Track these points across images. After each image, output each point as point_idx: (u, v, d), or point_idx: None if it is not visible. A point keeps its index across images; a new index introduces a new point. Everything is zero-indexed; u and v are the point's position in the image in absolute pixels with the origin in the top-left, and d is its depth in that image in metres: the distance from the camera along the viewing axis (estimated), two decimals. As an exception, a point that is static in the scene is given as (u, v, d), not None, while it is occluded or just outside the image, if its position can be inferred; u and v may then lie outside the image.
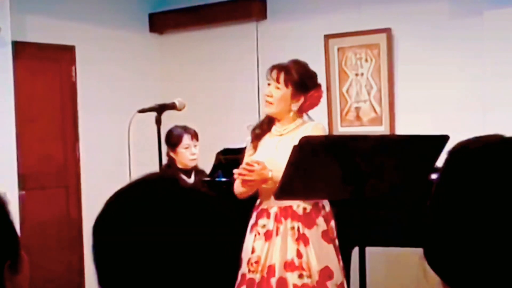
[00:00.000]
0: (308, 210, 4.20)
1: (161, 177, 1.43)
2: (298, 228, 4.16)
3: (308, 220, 4.19)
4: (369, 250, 4.00)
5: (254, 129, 4.45)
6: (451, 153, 1.36)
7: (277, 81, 4.27)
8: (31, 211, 6.81)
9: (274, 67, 4.34)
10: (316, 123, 4.33)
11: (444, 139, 3.52)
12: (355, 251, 4.29)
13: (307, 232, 4.16)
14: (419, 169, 3.75)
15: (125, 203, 1.35)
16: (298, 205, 4.20)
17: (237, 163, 4.50)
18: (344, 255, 4.59)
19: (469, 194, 1.27)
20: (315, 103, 4.35)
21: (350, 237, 4.36)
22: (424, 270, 1.40)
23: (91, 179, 7.25)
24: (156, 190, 1.35)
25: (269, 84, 4.34)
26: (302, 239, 4.15)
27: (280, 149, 4.19)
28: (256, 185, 4.21)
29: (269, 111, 4.35)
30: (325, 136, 4.39)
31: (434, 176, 3.70)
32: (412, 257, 4.98)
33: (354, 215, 3.89)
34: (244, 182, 4.21)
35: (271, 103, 4.30)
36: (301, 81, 4.26)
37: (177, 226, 1.29)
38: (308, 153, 3.60)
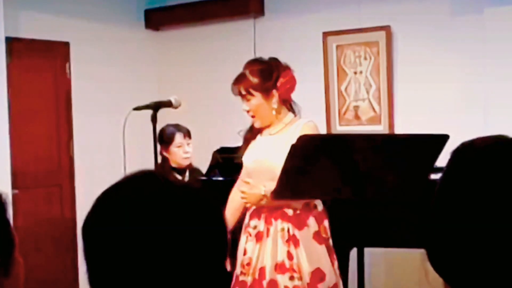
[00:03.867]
0: (298, 211, 4.15)
1: (146, 174, 1.40)
2: (288, 229, 4.11)
3: (298, 221, 4.14)
4: (368, 251, 3.97)
5: (245, 134, 4.41)
6: (455, 153, 1.35)
7: (241, 95, 4.23)
8: (25, 211, 6.76)
9: (232, 85, 4.27)
10: (307, 121, 4.24)
11: (444, 138, 3.49)
12: (354, 252, 4.25)
13: (297, 233, 4.11)
14: (419, 168, 3.72)
15: (112, 203, 1.34)
16: (288, 206, 4.15)
17: (234, 162, 4.48)
18: (342, 256, 4.56)
19: (473, 195, 1.26)
20: (293, 85, 4.22)
21: (348, 237, 4.34)
22: (426, 272, 1.39)
23: (85, 178, 7.20)
24: (142, 188, 1.34)
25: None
26: (292, 240, 4.10)
27: (272, 149, 4.15)
28: (255, 202, 4.17)
29: (259, 124, 4.28)
30: (323, 135, 4.36)
31: (433, 176, 3.66)
32: (412, 258, 4.95)
33: (352, 215, 3.86)
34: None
35: (253, 116, 4.25)
36: (261, 79, 4.17)
37: (164, 222, 1.29)
38: (306, 152, 3.55)
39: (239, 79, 4.23)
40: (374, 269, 6.05)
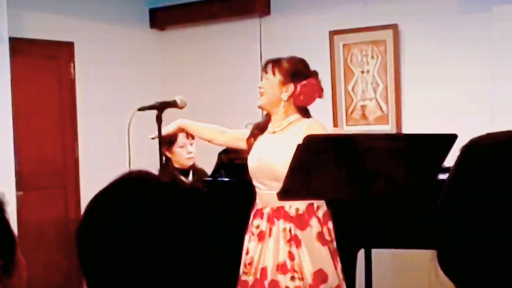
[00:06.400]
0: (300, 211, 4.15)
1: (137, 175, 1.39)
2: (290, 229, 4.11)
3: (300, 221, 4.13)
4: (375, 252, 3.94)
5: (252, 128, 4.43)
6: (463, 150, 1.31)
7: (266, 71, 4.29)
8: (29, 212, 6.77)
9: (266, 61, 4.37)
10: (312, 120, 4.26)
11: (452, 138, 3.44)
12: (361, 253, 4.22)
13: (299, 233, 4.11)
14: (427, 168, 3.67)
15: (104, 207, 1.34)
16: (291, 206, 4.15)
17: (240, 162, 4.47)
18: (350, 257, 4.54)
19: (483, 192, 1.22)
20: (309, 94, 4.24)
21: (356, 238, 4.31)
22: (436, 272, 1.33)
23: (90, 179, 7.18)
24: (132, 190, 1.33)
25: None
26: (294, 240, 4.10)
27: (273, 148, 4.19)
28: None
29: (260, 102, 4.33)
30: (330, 135, 4.32)
31: (441, 176, 3.63)
32: (420, 259, 4.90)
33: (359, 216, 3.83)
34: None
35: (262, 93, 4.29)
36: (290, 69, 4.23)
37: (158, 224, 1.27)
38: (312, 152, 3.51)
39: (275, 59, 4.32)
40: (381, 270, 6.01)
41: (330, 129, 4.59)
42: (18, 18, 6.74)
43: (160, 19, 7.94)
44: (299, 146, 3.48)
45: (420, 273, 5.15)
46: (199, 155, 5.69)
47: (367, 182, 3.58)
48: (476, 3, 6.18)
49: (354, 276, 4.75)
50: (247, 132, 4.45)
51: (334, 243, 4.20)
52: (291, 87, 4.20)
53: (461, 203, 1.25)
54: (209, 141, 4.67)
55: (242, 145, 4.47)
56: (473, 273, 1.22)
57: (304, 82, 4.20)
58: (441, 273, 1.29)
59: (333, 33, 6.86)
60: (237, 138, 4.52)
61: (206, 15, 7.58)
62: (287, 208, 4.14)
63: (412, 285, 6.04)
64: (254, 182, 4.30)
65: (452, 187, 1.28)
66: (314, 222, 4.14)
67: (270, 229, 4.15)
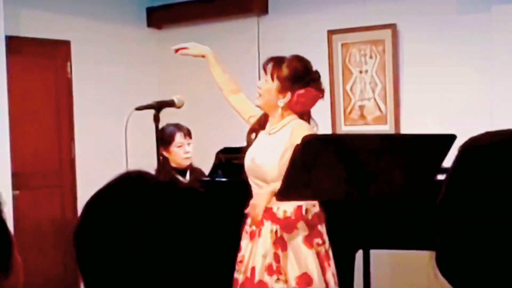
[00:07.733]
0: (288, 214, 4.13)
1: (134, 175, 1.38)
2: (276, 231, 4.10)
3: (287, 224, 4.12)
4: (373, 252, 3.93)
5: (253, 123, 4.40)
6: (462, 149, 1.30)
7: (265, 71, 4.22)
8: (25, 212, 6.76)
9: (268, 59, 4.27)
10: (299, 122, 4.19)
11: (451, 138, 3.43)
12: (359, 254, 4.21)
13: (285, 236, 4.10)
14: (425, 169, 3.66)
15: (101, 208, 1.34)
16: (279, 208, 4.13)
17: (237, 162, 4.48)
18: (348, 258, 4.54)
19: (481, 192, 1.21)
20: (307, 103, 4.18)
21: (354, 240, 4.30)
22: (435, 272, 1.31)
23: (86, 179, 7.16)
24: (130, 190, 1.33)
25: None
26: (280, 243, 4.09)
27: (264, 150, 4.19)
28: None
29: (258, 103, 4.31)
30: (328, 135, 4.31)
31: (440, 176, 3.61)
32: (418, 260, 4.91)
33: (357, 217, 3.82)
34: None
35: (260, 94, 4.25)
36: (290, 76, 4.13)
37: (155, 224, 1.27)
38: (310, 152, 3.49)
39: (276, 59, 4.22)
40: (379, 271, 6.00)
41: (322, 131, 4.51)
42: (14, 17, 6.74)
43: (157, 18, 7.93)
44: (297, 146, 3.47)
45: (418, 274, 5.14)
46: (196, 155, 5.67)
47: (366, 183, 3.57)
48: (475, 3, 6.18)
49: (352, 277, 4.75)
50: (257, 112, 4.40)
51: (326, 246, 4.17)
52: (288, 95, 4.14)
53: (459, 202, 1.23)
54: (219, 88, 4.66)
55: (245, 117, 4.47)
56: (471, 274, 1.21)
57: (302, 91, 4.11)
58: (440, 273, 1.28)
59: (331, 33, 6.84)
60: (245, 110, 4.50)
61: (203, 14, 7.58)
62: (275, 210, 4.12)
63: (410, 285, 6.03)
64: (249, 181, 4.30)
65: (451, 187, 1.27)
66: (301, 225, 4.12)
67: (260, 229, 4.14)
